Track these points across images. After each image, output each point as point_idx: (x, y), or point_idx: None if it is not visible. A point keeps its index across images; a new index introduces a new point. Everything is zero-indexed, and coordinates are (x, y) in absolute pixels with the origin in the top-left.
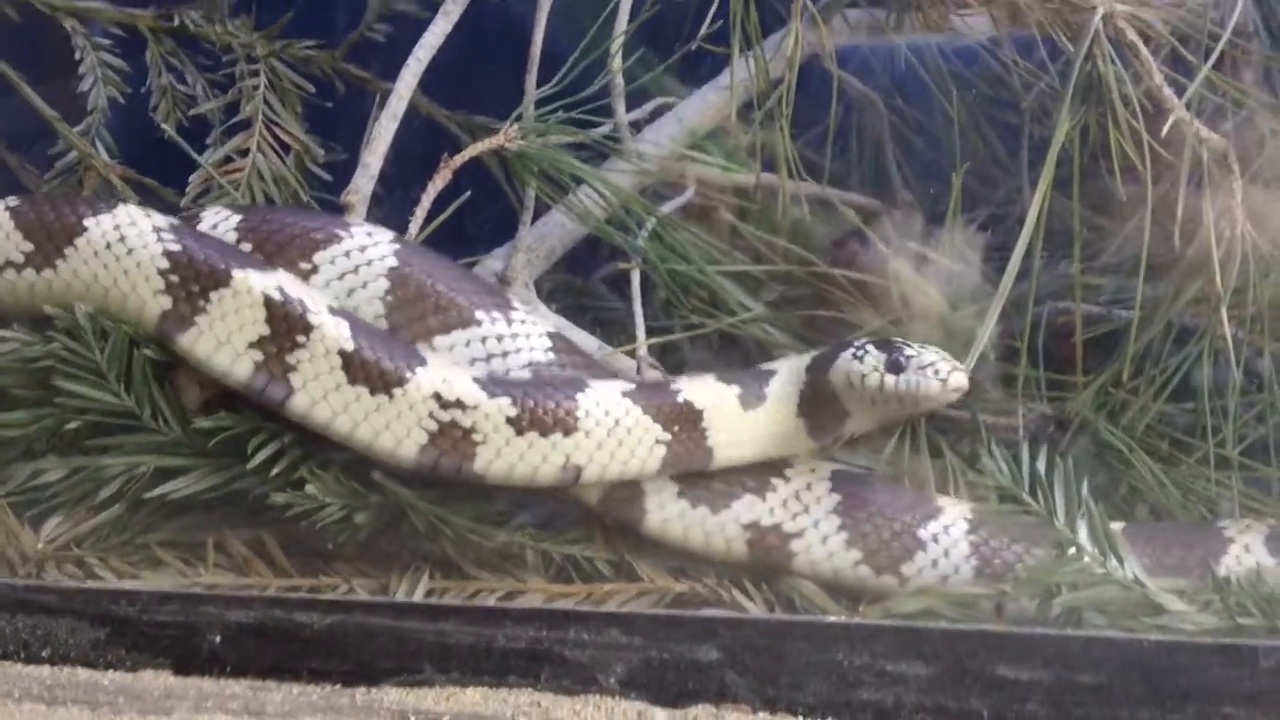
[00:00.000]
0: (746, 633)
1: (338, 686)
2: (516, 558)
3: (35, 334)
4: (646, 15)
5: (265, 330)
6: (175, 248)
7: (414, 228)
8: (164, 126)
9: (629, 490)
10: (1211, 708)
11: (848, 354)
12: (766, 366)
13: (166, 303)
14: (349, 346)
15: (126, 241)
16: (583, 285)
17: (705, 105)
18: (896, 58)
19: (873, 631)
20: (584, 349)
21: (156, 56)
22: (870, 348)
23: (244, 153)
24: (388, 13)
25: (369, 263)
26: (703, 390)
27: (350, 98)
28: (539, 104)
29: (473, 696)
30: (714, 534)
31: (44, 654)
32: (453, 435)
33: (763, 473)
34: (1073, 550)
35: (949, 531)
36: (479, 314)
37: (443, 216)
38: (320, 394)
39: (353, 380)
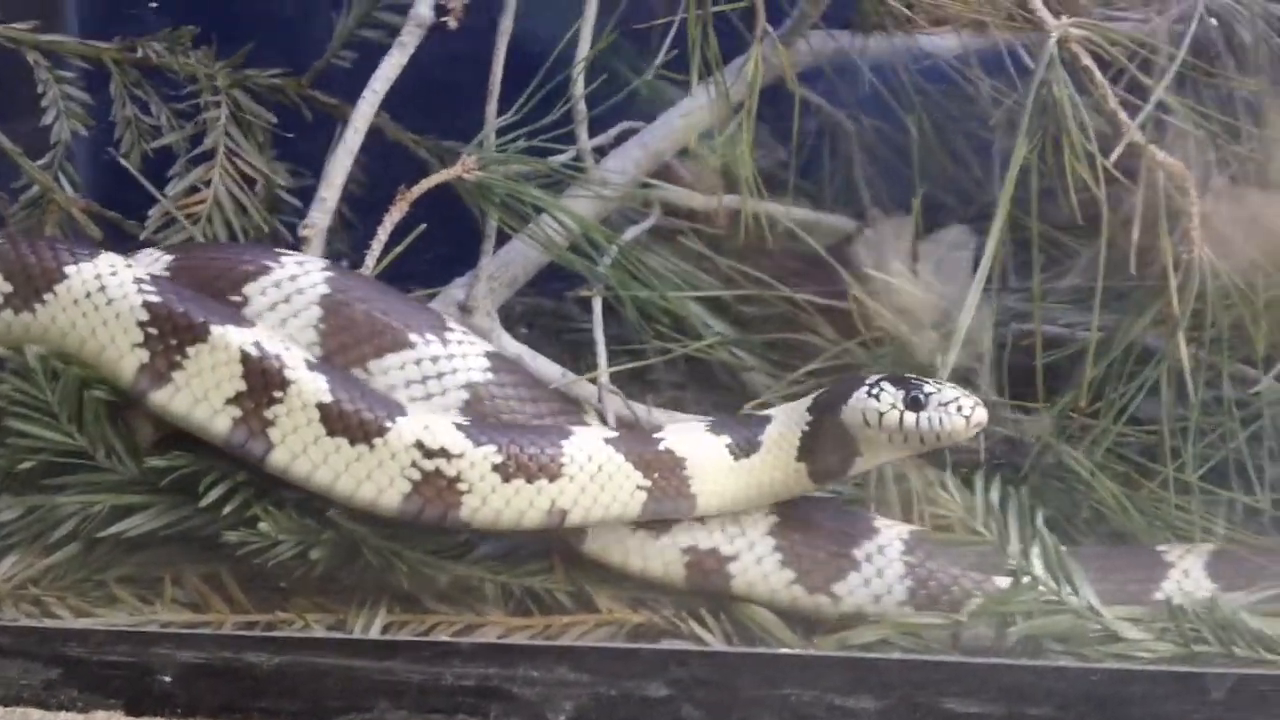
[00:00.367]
0: (696, 667)
1: None
2: (475, 590)
3: None
4: (607, 40)
5: (242, 386)
6: (155, 299)
7: (370, 260)
8: (120, 159)
9: None
10: None
11: (861, 392)
12: (764, 413)
13: (144, 356)
14: (327, 399)
15: (107, 291)
16: (555, 307)
17: (670, 130)
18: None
19: (823, 664)
20: (545, 376)
21: (120, 88)
22: (886, 385)
23: (208, 184)
24: (353, 40)
25: (300, 291)
26: (688, 439)
27: (322, 124)
28: (502, 131)
29: None
30: (653, 557)
31: None
32: (437, 484)
33: None
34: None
35: (884, 552)
36: (413, 336)
37: (399, 249)
38: (300, 447)
39: (332, 432)
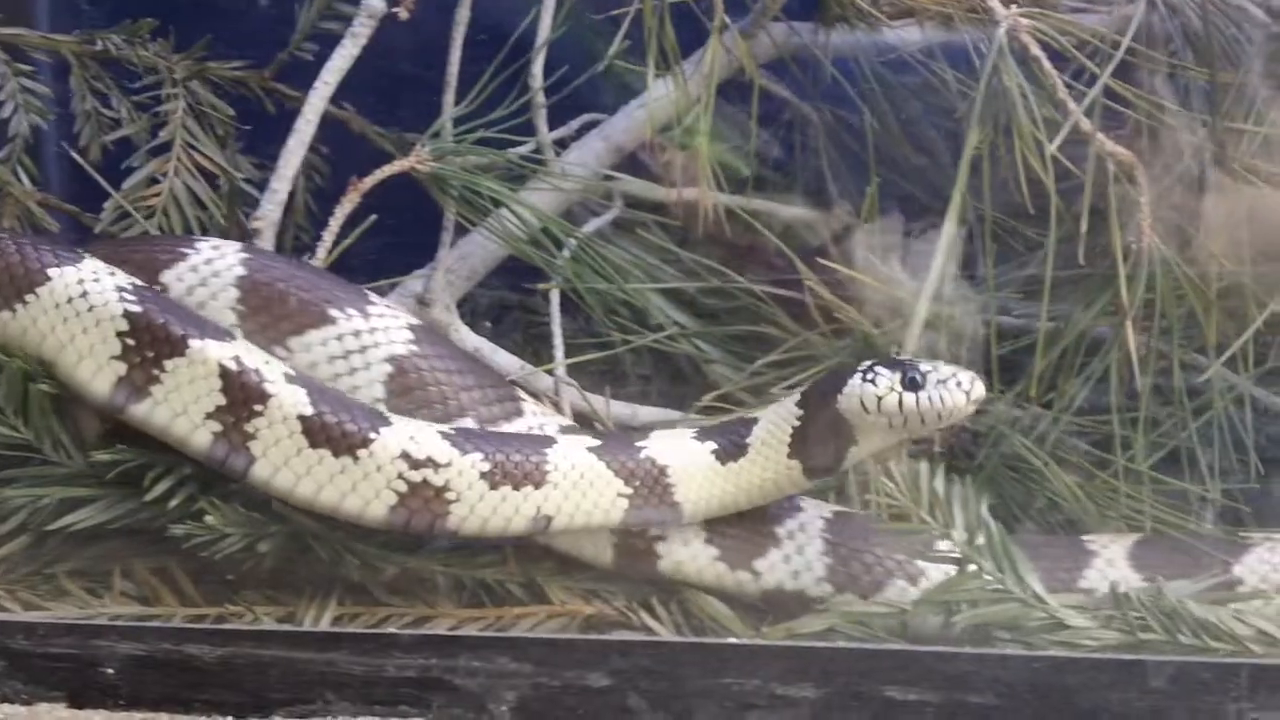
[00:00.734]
0: (638, 657)
1: (230, 718)
2: (427, 582)
3: None
4: (559, 31)
5: (222, 400)
6: (136, 309)
7: (321, 251)
8: (72, 152)
9: None
10: None
11: (856, 379)
12: (750, 415)
13: (121, 369)
14: (308, 411)
15: (88, 298)
16: (521, 300)
17: (632, 122)
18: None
19: (765, 653)
20: (504, 369)
21: (81, 81)
22: (879, 369)
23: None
24: (316, 32)
25: (216, 274)
26: (671, 447)
27: (288, 117)
28: (463, 122)
29: None
30: (582, 538)
31: None
32: (424, 494)
33: None
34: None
35: (805, 529)
36: (333, 312)
37: (348, 241)
38: (281, 460)
39: (314, 444)
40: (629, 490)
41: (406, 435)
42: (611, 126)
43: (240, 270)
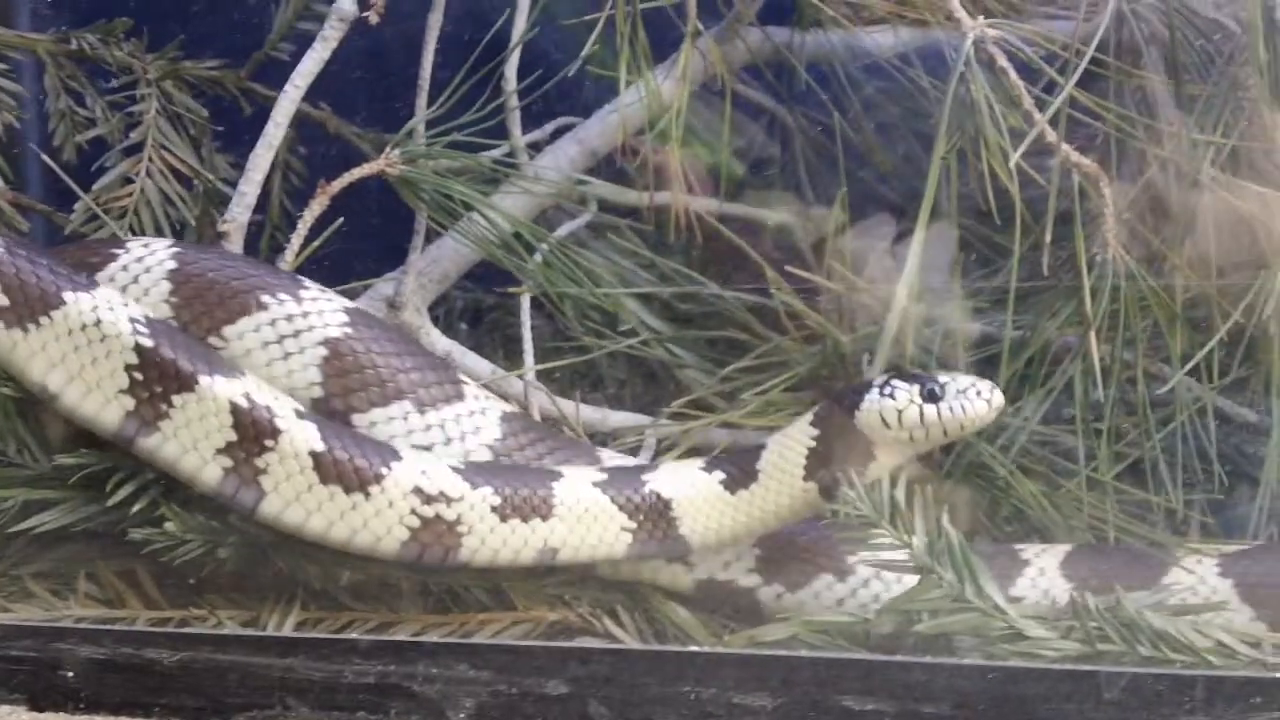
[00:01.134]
0: (596, 664)
1: None
2: (392, 588)
3: None
4: (527, 33)
5: (233, 436)
6: (148, 343)
7: (289, 254)
8: (40, 153)
9: None
10: None
11: (874, 395)
12: (759, 443)
13: (129, 404)
14: (319, 447)
15: (102, 327)
16: (498, 302)
17: (606, 126)
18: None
19: (723, 662)
20: (475, 372)
21: (55, 80)
22: (897, 382)
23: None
24: (292, 32)
25: (147, 270)
26: (677, 479)
27: (265, 117)
28: (437, 125)
29: None
30: None
31: None
32: (437, 528)
33: None
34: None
35: None
36: (265, 298)
37: (316, 243)
38: (293, 495)
39: (325, 480)
40: (632, 524)
41: (418, 470)
42: (586, 130)
43: (171, 264)
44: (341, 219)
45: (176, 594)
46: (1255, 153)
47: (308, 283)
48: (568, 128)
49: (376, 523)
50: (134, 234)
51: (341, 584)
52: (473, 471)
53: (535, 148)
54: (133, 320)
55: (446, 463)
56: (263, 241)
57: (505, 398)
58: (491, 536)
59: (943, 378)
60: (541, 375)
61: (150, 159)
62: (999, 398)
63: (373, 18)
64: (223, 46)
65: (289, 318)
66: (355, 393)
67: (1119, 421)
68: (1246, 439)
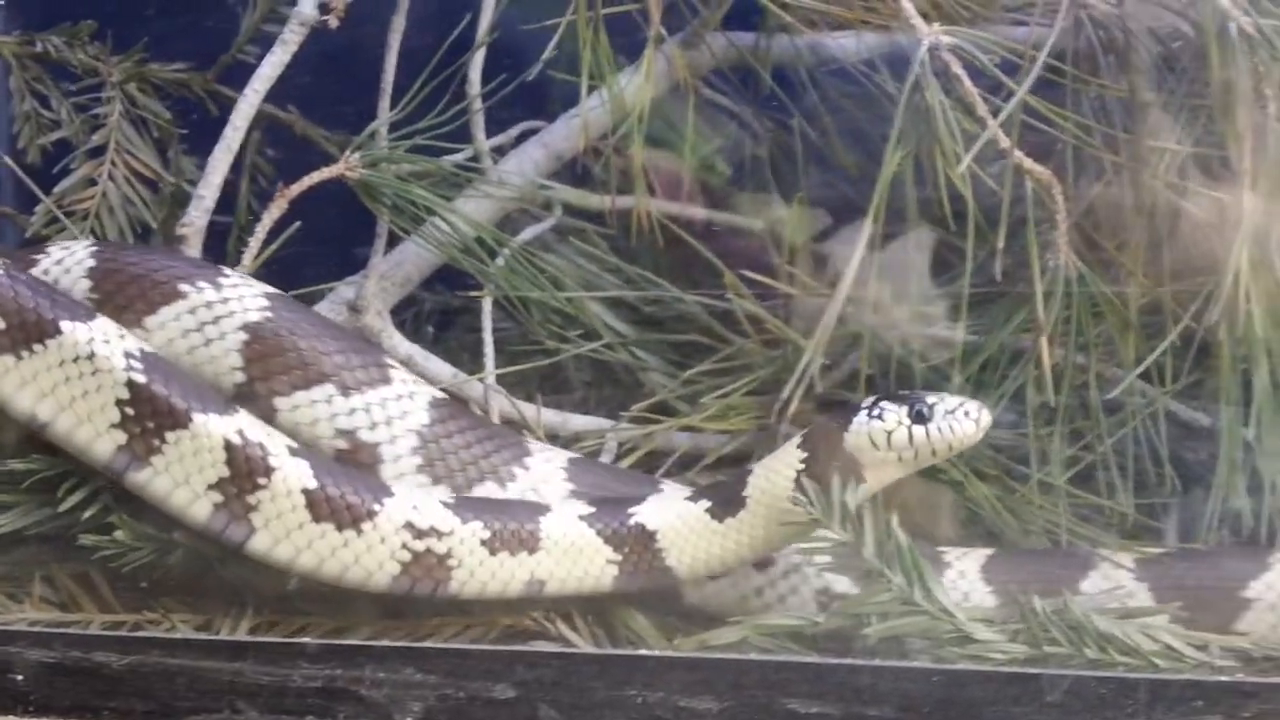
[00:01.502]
0: (543, 669)
1: None
2: (347, 592)
3: None
4: (489, 39)
5: (225, 473)
6: (140, 380)
7: (247, 258)
8: (3, 155)
9: None
10: None
11: (862, 417)
12: (745, 468)
13: (120, 438)
14: (311, 484)
15: (95, 360)
16: (465, 305)
17: (571, 131)
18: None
19: (670, 665)
20: (436, 376)
21: (20, 82)
22: (885, 404)
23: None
24: (259, 35)
25: (67, 271)
26: (662, 510)
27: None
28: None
29: None
30: None
31: None
32: (427, 562)
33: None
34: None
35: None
36: (184, 287)
37: (273, 247)
38: (284, 532)
39: (318, 519)
40: (617, 557)
41: (409, 505)
42: (550, 134)
43: (90, 262)
44: (299, 223)
45: (131, 598)
46: (1211, 158)
47: (228, 271)
48: (533, 131)
49: (368, 558)
50: (95, 236)
51: (289, 588)
52: (463, 506)
53: (500, 152)
54: (128, 355)
55: (437, 498)
56: (229, 244)
57: (466, 401)
58: (480, 570)
59: (930, 398)
60: (508, 378)
61: (113, 162)
62: (987, 417)
63: (332, 22)
64: (191, 49)
65: (208, 305)
66: (277, 376)
67: (1073, 426)
68: (1201, 443)
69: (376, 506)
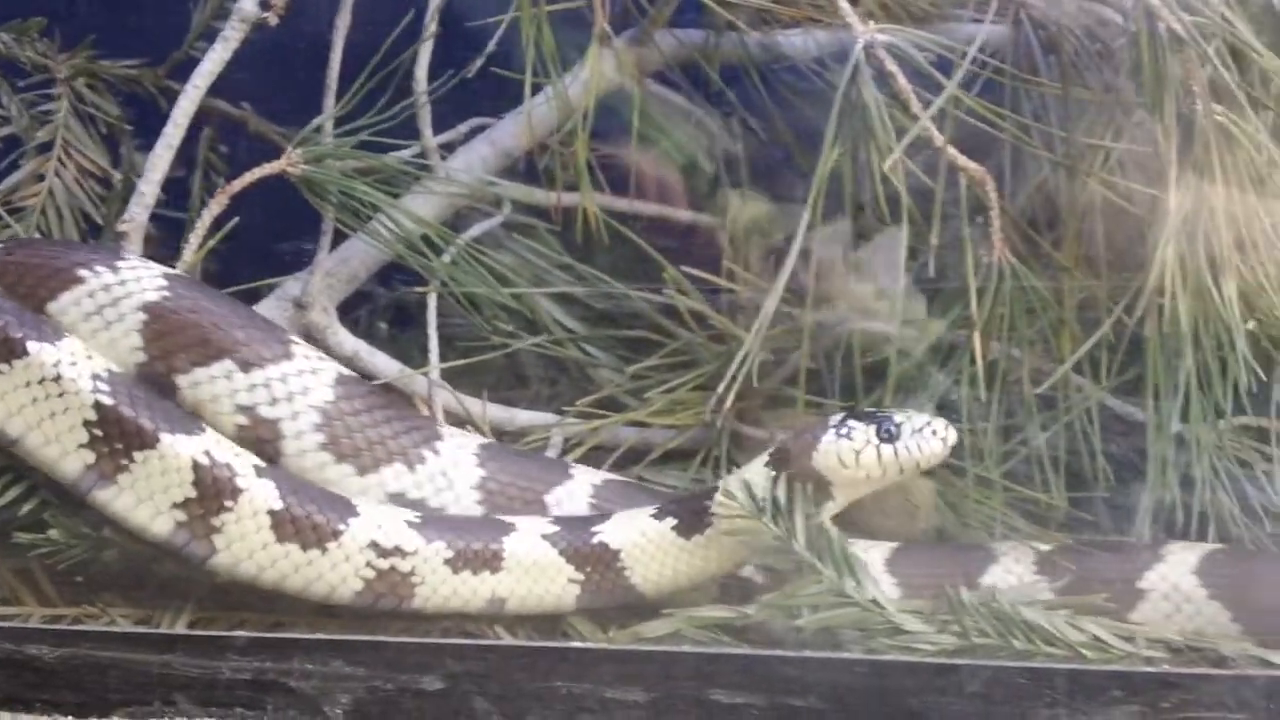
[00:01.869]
0: (472, 661)
1: (70, 718)
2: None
3: None
4: (430, 35)
5: (192, 493)
6: (108, 401)
7: (188, 254)
8: None
9: None
10: None
11: (830, 435)
12: (713, 485)
13: (89, 457)
14: (277, 505)
15: (62, 383)
16: (418, 301)
17: (520, 128)
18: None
19: (597, 657)
20: (383, 372)
21: None
22: (852, 423)
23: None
24: (210, 31)
25: None
26: (626, 528)
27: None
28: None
29: None
30: None
31: None
32: (391, 579)
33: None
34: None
35: (573, 497)
36: (82, 272)
37: (212, 241)
38: (246, 553)
39: (281, 539)
40: (580, 576)
41: (374, 524)
42: (499, 131)
43: None
44: (237, 218)
45: (71, 593)
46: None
47: (127, 255)
48: (482, 128)
49: (332, 575)
50: (41, 233)
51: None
52: (427, 525)
53: (450, 149)
54: (94, 377)
55: (402, 517)
56: (183, 240)
57: (411, 396)
58: (443, 587)
59: (898, 417)
60: (463, 375)
61: (59, 159)
62: (953, 435)
63: (272, 19)
64: (145, 46)
65: (106, 288)
66: (176, 354)
67: (1009, 421)
68: (1139, 438)
69: (341, 526)
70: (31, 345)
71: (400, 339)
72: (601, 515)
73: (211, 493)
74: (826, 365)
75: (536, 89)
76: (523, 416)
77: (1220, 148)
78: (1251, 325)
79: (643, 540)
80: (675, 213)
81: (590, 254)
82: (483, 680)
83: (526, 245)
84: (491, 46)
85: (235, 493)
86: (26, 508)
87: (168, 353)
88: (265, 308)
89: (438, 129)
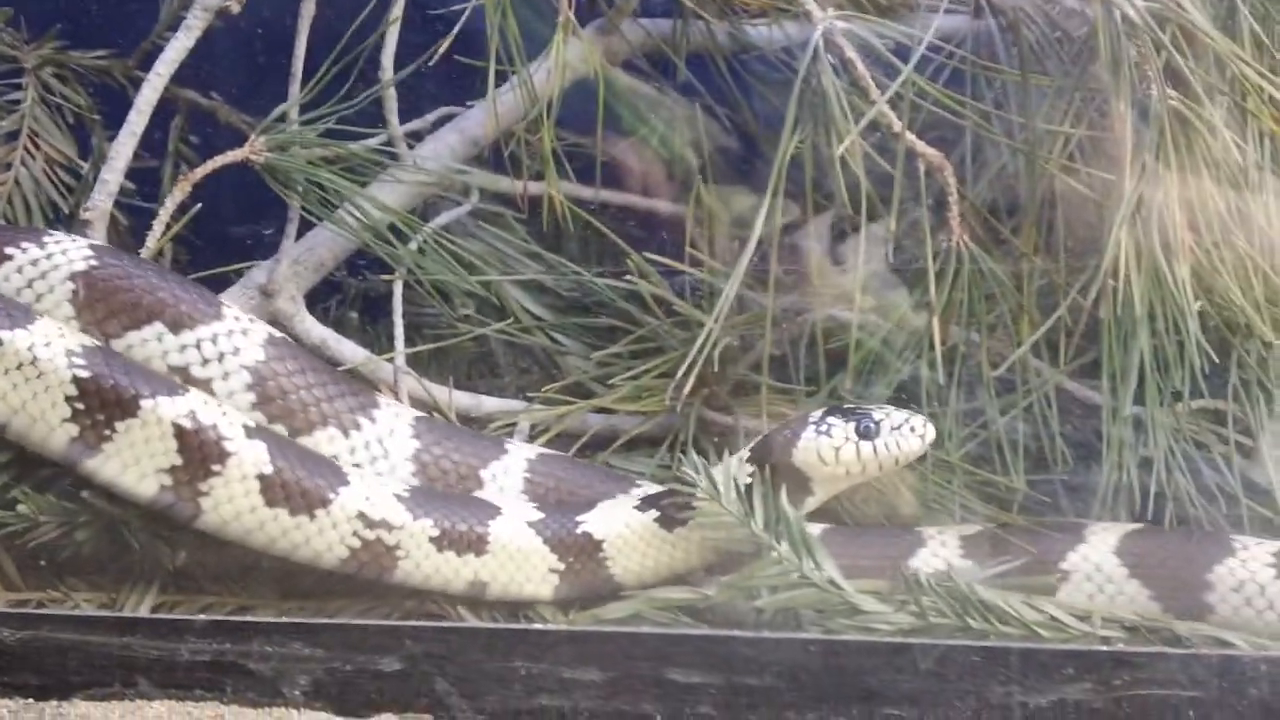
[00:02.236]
0: (430, 642)
1: (30, 700)
2: (251, 570)
3: None
4: (393, 23)
5: (177, 460)
6: (85, 374)
7: (151, 241)
8: None
9: None
10: (875, 708)
11: (810, 432)
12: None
13: (74, 430)
14: (267, 470)
15: (38, 364)
16: (389, 289)
17: (488, 116)
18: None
19: (554, 638)
20: (349, 359)
21: None
22: (832, 419)
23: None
24: (179, 21)
25: None
26: (610, 518)
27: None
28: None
29: (158, 710)
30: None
31: None
32: (376, 550)
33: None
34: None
35: (508, 472)
36: (9, 249)
37: (175, 228)
38: (233, 515)
39: (271, 503)
40: (561, 566)
41: (363, 496)
42: (467, 120)
43: None
44: (199, 205)
45: (36, 576)
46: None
47: (53, 232)
48: (450, 117)
49: (319, 540)
50: (6, 221)
51: (178, 564)
52: (416, 501)
53: (418, 137)
54: (69, 353)
55: (391, 490)
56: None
57: (377, 383)
58: (426, 563)
59: (876, 414)
60: (434, 363)
61: (26, 148)
62: (931, 431)
63: (234, 6)
64: (116, 36)
65: (34, 262)
66: (107, 320)
67: (970, 405)
68: (1098, 421)
69: (331, 495)
70: (3, 334)
71: (371, 328)
72: (584, 506)
73: (198, 456)
74: (792, 351)
75: (502, 77)
76: (489, 403)
77: (1175, 132)
78: (1199, 306)
79: (626, 531)
80: (643, 201)
81: (559, 242)
82: (442, 661)
83: (494, 234)
84: (454, 33)
85: (223, 456)
86: None
87: (99, 319)
88: (231, 295)
89: (410, 117)
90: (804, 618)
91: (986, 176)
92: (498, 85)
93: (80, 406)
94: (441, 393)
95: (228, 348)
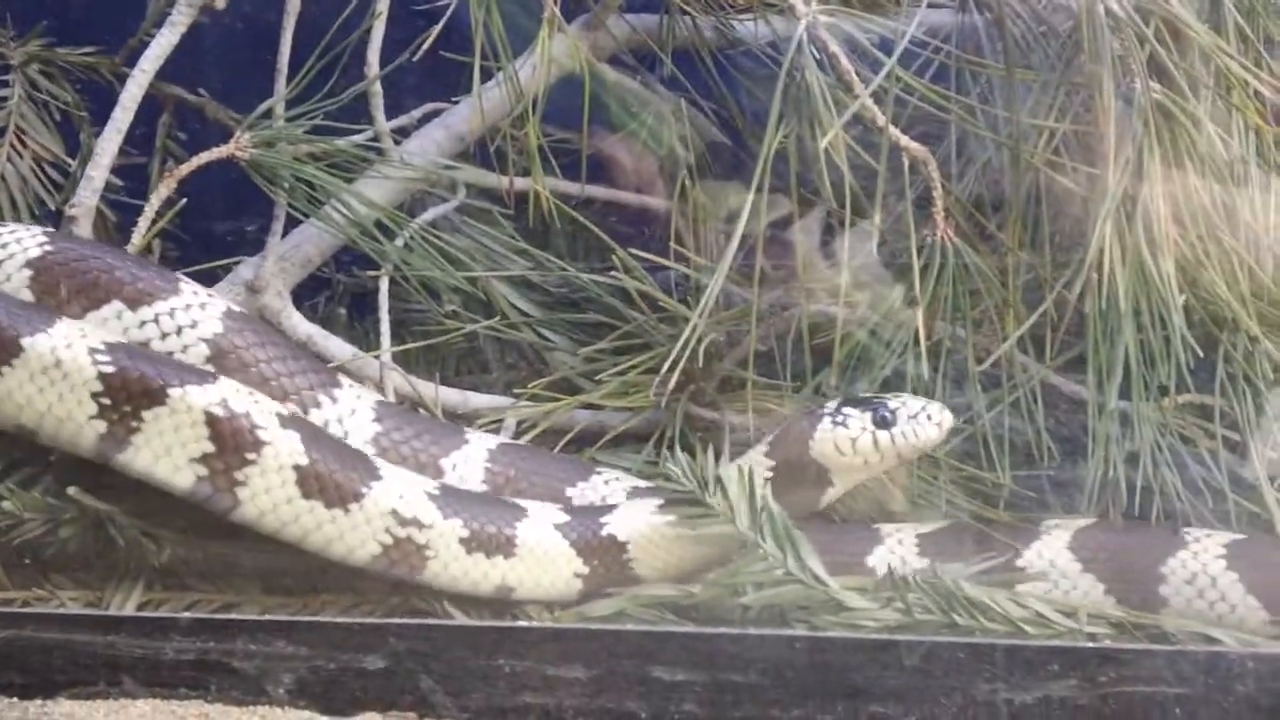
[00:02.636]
0: (414, 640)
1: (14, 699)
2: (235, 568)
3: None
4: (377, 19)
5: (210, 448)
6: (109, 370)
7: (136, 237)
8: None
9: None
10: (860, 705)
11: (826, 423)
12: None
13: (102, 427)
14: (303, 461)
15: (62, 366)
16: (377, 285)
17: (474, 112)
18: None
19: (539, 636)
20: (336, 356)
21: None
22: (848, 410)
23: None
24: (165, 18)
25: None
26: (634, 520)
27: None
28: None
29: (142, 708)
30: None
31: None
32: (406, 548)
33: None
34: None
35: (469, 461)
36: None
37: (160, 224)
38: (270, 506)
39: (306, 495)
40: (585, 570)
41: (397, 493)
42: (453, 116)
43: None
44: (185, 200)
45: (20, 574)
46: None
47: (7, 222)
48: (436, 113)
49: (352, 536)
50: None
51: (163, 560)
52: (447, 501)
53: (403, 133)
54: (92, 351)
55: (423, 487)
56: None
57: (362, 379)
58: (454, 564)
59: (892, 403)
60: (422, 360)
61: (13, 145)
62: (949, 418)
63: (219, 3)
64: (103, 33)
65: None
66: (67, 303)
67: (956, 400)
68: (1084, 416)
69: (364, 489)
70: (25, 341)
71: (359, 325)
72: (606, 507)
73: (231, 445)
74: (778, 346)
75: (487, 73)
76: (476, 399)
77: (1159, 126)
78: (1184, 300)
79: (650, 531)
80: (629, 196)
81: (546, 238)
82: (426, 659)
83: (481, 229)
84: (439, 28)
85: (258, 445)
86: None
87: (60, 303)
88: (218, 291)
89: (396, 113)
90: (790, 615)
91: (972, 171)
92: (483, 81)
93: (106, 402)
94: (428, 389)
95: (185, 321)
